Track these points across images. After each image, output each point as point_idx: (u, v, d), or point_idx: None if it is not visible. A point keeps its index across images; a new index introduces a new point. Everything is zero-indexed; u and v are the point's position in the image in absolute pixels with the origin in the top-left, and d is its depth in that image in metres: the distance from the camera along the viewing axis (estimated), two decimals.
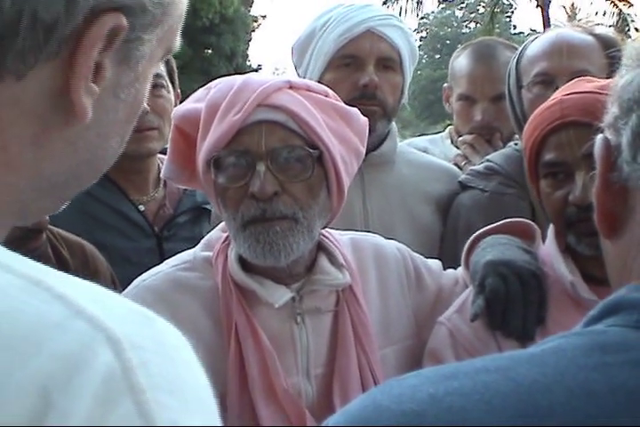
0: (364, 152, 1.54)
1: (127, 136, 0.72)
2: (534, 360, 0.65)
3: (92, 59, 0.61)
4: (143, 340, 0.53)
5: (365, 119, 1.54)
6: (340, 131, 1.45)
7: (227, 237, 1.51)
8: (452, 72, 2.60)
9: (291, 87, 1.43)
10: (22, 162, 0.62)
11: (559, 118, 1.46)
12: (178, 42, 0.73)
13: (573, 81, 1.58)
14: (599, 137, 0.75)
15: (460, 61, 2.56)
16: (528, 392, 0.61)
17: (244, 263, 1.46)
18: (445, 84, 2.67)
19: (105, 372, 0.49)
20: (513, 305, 1.43)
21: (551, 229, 1.54)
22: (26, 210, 0.66)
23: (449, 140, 2.67)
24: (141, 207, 2.20)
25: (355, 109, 1.52)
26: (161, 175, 1.54)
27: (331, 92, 1.51)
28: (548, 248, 1.53)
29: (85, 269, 1.83)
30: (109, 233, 2.13)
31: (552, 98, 1.52)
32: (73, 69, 0.61)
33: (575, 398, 0.60)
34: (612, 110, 0.74)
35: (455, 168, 2.28)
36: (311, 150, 1.40)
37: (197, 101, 1.47)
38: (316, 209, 1.42)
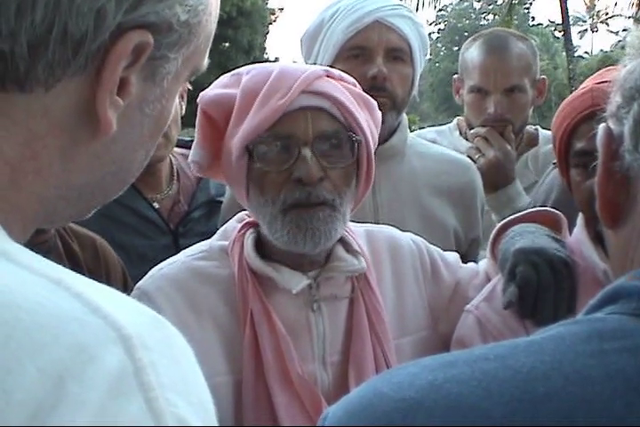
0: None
1: (152, 150, 0.75)
2: (533, 348, 0.65)
3: (118, 74, 0.64)
4: (153, 341, 0.55)
5: (380, 112, 1.55)
6: (368, 121, 1.47)
7: (242, 226, 1.52)
8: (463, 64, 2.58)
9: (328, 76, 1.45)
10: (51, 172, 0.64)
11: (590, 107, 1.44)
12: (205, 62, 0.75)
13: (604, 70, 1.56)
14: (601, 126, 0.75)
15: (472, 53, 2.53)
16: (525, 379, 0.61)
17: (260, 251, 1.47)
18: (455, 76, 2.65)
19: (118, 368, 0.52)
20: (544, 293, 1.41)
21: (580, 218, 1.54)
22: (52, 217, 0.69)
23: (457, 132, 2.66)
24: (156, 205, 2.22)
25: (375, 102, 1.53)
26: (189, 159, 1.54)
27: (357, 83, 1.53)
28: (577, 237, 1.52)
29: (96, 262, 1.85)
30: (125, 232, 2.15)
31: (582, 87, 1.51)
32: (99, 84, 0.63)
33: (572, 385, 0.60)
34: (615, 99, 0.74)
35: (467, 159, 2.26)
36: (355, 136, 1.42)
37: (226, 87, 1.46)
38: (349, 196, 1.44)
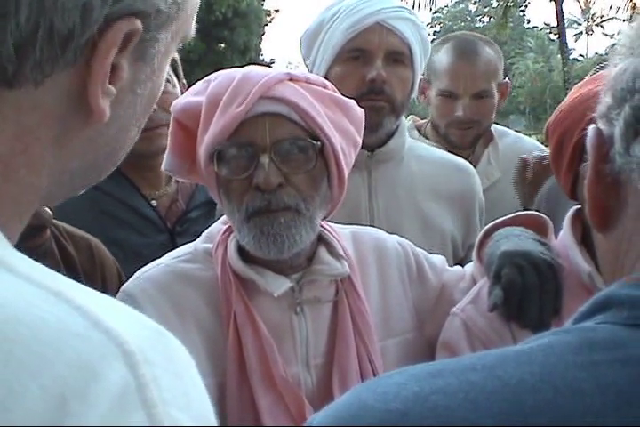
0: (361, 142, 1.53)
1: (143, 125, 0.74)
2: (522, 358, 0.63)
3: (109, 64, 0.62)
4: (155, 355, 0.54)
5: (361, 110, 1.53)
6: (339, 122, 1.45)
7: (227, 228, 1.52)
8: (431, 66, 2.58)
9: (291, 79, 1.43)
10: (44, 163, 0.63)
11: None
12: (193, 29, 0.74)
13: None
14: (591, 127, 0.73)
15: (441, 57, 2.55)
16: (514, 391, 0.59)
17: (243, 254, 1.47)
18: (421, 77, 2.64)
19: (120, 385, 0.51)
20: (529, 296, 1.41)
21: (567, 221, 1.52)
22: (45, 201, 0.68)
23: (415, 131, 2.68)
24: (154, 203, 2.19)
25: (351, 100, 1.52)
26: (161, 168, 1.54)
27: (329, 83, 1.51)
28: (563, 240, 1.51)
29: (91, 264, 1.84)
30: (122, 229, 2.13)
31: (598, 84, 1.49)
32: (90, 75, 0.62)
33: (562, 397, 0.58)
34: (606, 100, 0.72)
35: (467, 163, 2.23)
36: (314, 142, 1.41)
37: (197, 95, 1.47)
38: (318, 200, 1.43)
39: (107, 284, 1.82)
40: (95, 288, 0.58)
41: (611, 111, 0.70)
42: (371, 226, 1.85)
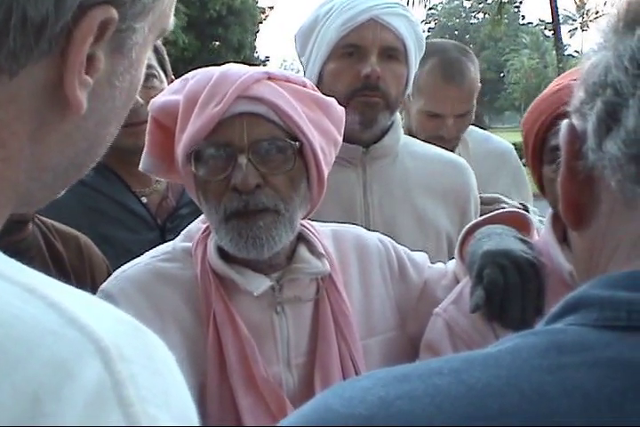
0: (341, 141, 1.52)
1: (123, 120, 0.72)
2: (489, 362, 0.62)
3: (84, 53, 0.61)
4: (132, 352, 0.53)
5: (342, 108, 1.53)
6: (318, 121, 1.44)
7: (206, 227, 1.51)
8: (414, 80, 2.58)
9: (269, 78, 1.42)
10: (21, 157, 0.62)
11: (568, 103, 1.41)
12: (171, 22, 0.72)
13: (579, 67, 1.54)
14: (564, 123, 0.72)
15: (426, 76, 2.53)
16: (479, 396, 0.58)
17: (223, 253, 1.46)
18: None
19: (96, 383, 0.49)
20: (512, 295, 1.41)
21: (548, 219, 1.52)
22: (27, 199, 0.67)
23: None
24: (144, 199, 2.19)
25: (332, 99, 1.51)
26: (139, 168, 1.52)
27: (308, 82, 1.50)
28: (545, 238, 1.51)
29: (80, 262, 1.83)
30: (112, 225, 2.12)
31: (557, 84, 1.48)
32: (65, 65, 0.61)
33: (527, 401, 0.57)
34: (579, 94, 0.70)
35: (463, 160, 2.23)
36: (292, 142, 1.40)
37: (175, 93, 1.45)
38: (297, 200, 1.42)
39: (96, 282, 1.80)
40: (84, 286, 0.57)
41: (583, 106, 0.69)
42: (366, 223, 1.85)
